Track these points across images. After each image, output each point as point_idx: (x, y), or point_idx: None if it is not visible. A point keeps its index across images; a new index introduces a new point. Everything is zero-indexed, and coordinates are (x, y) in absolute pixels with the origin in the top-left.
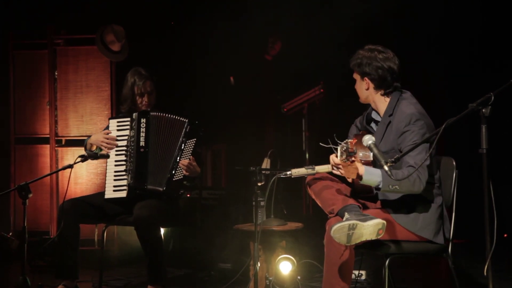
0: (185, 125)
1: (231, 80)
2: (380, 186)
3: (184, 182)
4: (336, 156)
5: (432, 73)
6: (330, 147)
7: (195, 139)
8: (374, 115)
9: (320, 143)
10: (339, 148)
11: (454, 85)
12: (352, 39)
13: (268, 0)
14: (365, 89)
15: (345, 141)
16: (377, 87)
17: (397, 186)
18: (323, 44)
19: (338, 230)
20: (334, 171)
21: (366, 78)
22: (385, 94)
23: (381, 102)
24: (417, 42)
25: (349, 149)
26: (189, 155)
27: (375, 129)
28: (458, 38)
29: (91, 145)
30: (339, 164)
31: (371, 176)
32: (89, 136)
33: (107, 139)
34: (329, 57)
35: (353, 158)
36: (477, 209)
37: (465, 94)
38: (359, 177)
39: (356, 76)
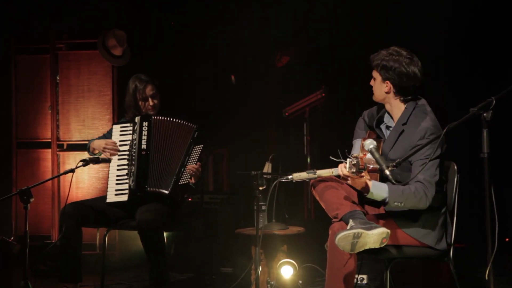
0: (194, 131)
1: (232, 79)
2: (386, 201)
3: (190, 184)
4: (345, 167)
5: (433, 77)
6: (340, 160)
7: (202, 145)
8: (386, 119)
9: (331, 157)
10: (348, 161)
11: (455, 89)
12: (353, 43)
13: (268, 3)
14: (385, 92)
15: (355, 155)
16: (397, 93)
17: (403, 203)
18: (325, 48)
19: (342, 238)
20: (340, 180)
21: (388, 81)
22: (404, 101)
23: (397, 108)
24: (417, 46)
25: (360, 166)
26: (196, 161)
27: (384, 132)
28: (460, 41)
29: (94, 149)
30: (348, 176)
31: (378, 191)
32: (92, 140)
33: (108, 144)
34: (331, 61)
35: (362, 174)
36: (478, 213)
37: (466, 98)
38: (366, 190)
39: (376, 75)
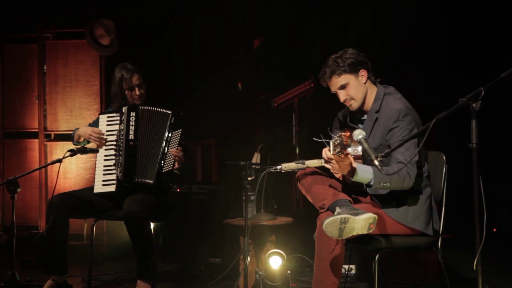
0: (170, 117)
1: (239, 86)
2: (372, 183)
3: (175, 171)
4: (329, 150)
5: (422, 68)
6: (323, 141)
7: (180, 130)
8: (359, 114)
9: (314, 138)
10: (332, 141)
11: (444, 80)
12: (342, 34)
13: None
14: (363, 83)
15: (338, 135)
16: (370, 75)
17: (388, 183)
18: (313, 39)
19: (330, 224)
20: (326, 166)
21: (361, 70)
22: (375, 83)
23: (372, 92)
24: (406, 38)
25: (343, 142)
26: (176, 147)
27: (360, 126)
28: (448, 32)
29: (79, 136)
30: (332, 159)
31: (363, 173)
32: (77, 128)
33: (95, 132)
34: (319, 51)
35: (346, 152)
36: (466, 203)
37: (455, 89)
38: (351, 173)
39: (346, 79)
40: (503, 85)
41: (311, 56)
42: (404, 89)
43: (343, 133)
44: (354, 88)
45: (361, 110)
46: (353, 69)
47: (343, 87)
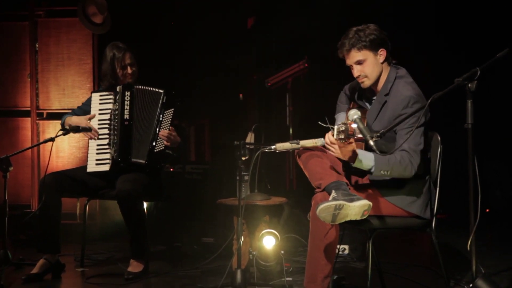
0: (161, 96)
1: (240, 97)
2: (372, 171)
3: (167, 150)
4: (333, 135)
5: (417, 48)
6: (328, 126)
7: (172, 109)
8: (369, 93)
9: (319, 122)
10: (336, 127)
11: (439, 60)
12: (336, 13)
13: None
14: (380, 63)
15: (343, 122)
16: (388, 58)
17: (389, 171)
18: (308, 18)
19: (324, 209)
20: (326, 149)
21: (381, 49)
22: (390, 65)
23: (385, 73)
24: (399, 15)
25: (349, 131)
26: (168, 126)
27: (366, 105)
28: (443, 10)
29: (70, 125)
30: (335, 144)
31: (365, 160)
32: (68, 113)
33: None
34: (314, 31)
35: (351, 140)
36: (459, 184)
37: (450, 69)
38: (352, 159)
39: (365, 55)
40: (499, 65)
41: (305, 36)
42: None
43: (348, 122)
44: (371, 66)
45: (371, 89)
46: (374, 47)
47: (359, 62)
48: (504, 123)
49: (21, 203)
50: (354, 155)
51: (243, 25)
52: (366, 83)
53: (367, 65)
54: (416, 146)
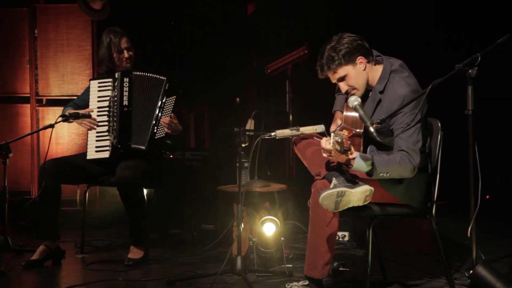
0: (164, 83)
1: (237, 101)
2: (371, 173)
3: (167, 141)
4: (329, 143)
5: (417, 34)
6: (324, 132)
7: (174, 97)
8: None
9: (317, 134)
10: (332, 136)
11: (439, 45)
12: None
13: None
14: (362, 70)
15: (340, 132)
16: (369, 59)
17: (388, 173)
18: (307, 5)
19: (326, 197)
20: (322, 151)
21: (358, 57)
22: (376, 62)
23: (376, 72)
24: (399, 3)
25: (344, 146)
26: (170, 113)
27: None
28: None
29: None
30: (331, 151)
31: (362, 166)
32: (69, 104)
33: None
34: (314, 17)
35: (347, 154)
36: (459, 170)
37: (451, 55)
38: (349, 163)
39: (345, 71)
40: (499, 50)
41: (305, 22)
42: (398, 56)
43: (344, 134)
44: (353, 78)
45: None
46: (349, 59)
47: (341, 79)
48: (505, 109)
49: (21, 189)
50: (352, 163)
51: (243, 11)
52: (358, 93)
53: (349, 78)
54: (414, 145)
